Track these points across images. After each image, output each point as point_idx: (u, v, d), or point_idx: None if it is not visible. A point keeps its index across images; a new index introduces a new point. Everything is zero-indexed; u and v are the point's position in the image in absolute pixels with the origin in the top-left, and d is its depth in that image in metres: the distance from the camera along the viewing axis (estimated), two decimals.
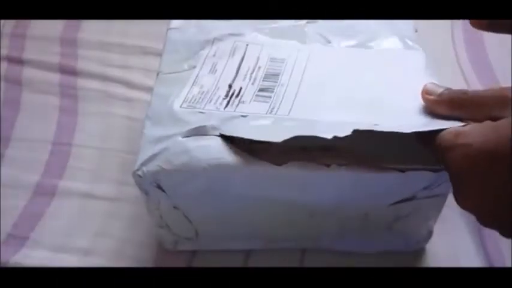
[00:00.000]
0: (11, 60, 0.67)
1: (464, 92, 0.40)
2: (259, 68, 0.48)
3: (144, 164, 0.42)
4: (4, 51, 0.67)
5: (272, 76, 0.47)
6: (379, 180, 0.41)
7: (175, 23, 0.53)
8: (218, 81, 0.47)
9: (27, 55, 0.67)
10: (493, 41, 0.67)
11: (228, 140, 0.42)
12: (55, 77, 0.65)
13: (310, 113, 0.43)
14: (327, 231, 0.47)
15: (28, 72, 0.65)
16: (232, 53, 0.49)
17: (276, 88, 0.45)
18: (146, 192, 0.43)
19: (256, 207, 0.44)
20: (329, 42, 0.50)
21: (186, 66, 0.49)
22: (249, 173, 0.41)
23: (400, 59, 0.48)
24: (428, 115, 0.41)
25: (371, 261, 0.47)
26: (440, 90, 0.41)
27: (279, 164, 0.41)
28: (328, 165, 0.40)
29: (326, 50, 0.49)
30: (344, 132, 0.38)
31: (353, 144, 0.41)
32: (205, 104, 0.45)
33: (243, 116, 0.43)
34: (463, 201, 0.37)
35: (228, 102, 0.45)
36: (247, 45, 0.50)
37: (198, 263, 0.49)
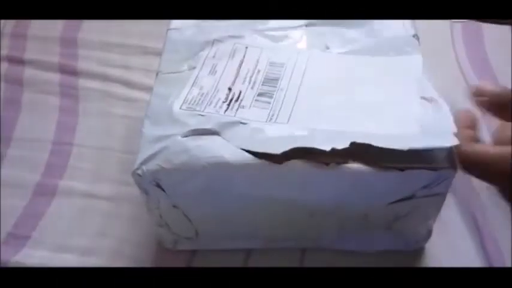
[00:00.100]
0: (12, 60, 0.67)
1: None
2: (259, 71, 0.48)
3: (143, 163, 0.42)
4: (4, 51, 0.68)
5: (271, 81, 0.47)
6: (378, 179, 0.41)
7: (175, 23, 0.53)
8: (218, 83, 0.47)
9: (27, 55, 0.67)
10: (493, 41, 0.67)
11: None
12: (55, 77, 0.65)
13: (309, 121, 0.43)
14: (327, 231, 0.47)
15: (28, 72, 0.65)
16: (232, 55, 0.49)
17: (275, 93, 0.46)
18: (146, 192, 0.43)
19: (256, 206, 0.44)
20: (328, 48, 0.50)
21: (185, 67, 0.49)
22: (249, 172, 0.41)
23: (399, 64, 0.48)
24: (427, 121, 0.42)
25: (371, 261, 0.47)
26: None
27: (279, 163, 0.41)
28: (327, 164, 0.40)
29: (325, 55, 0.49)
30: (342, 144, 0.40)
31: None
32: (205, 106, 0.45)
33: (242, 123, 0.43)
34: None
35: (228, 106, 0.45)
36: (246, 47, 0.50)
37: (198, 262, 0.49)
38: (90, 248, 0.50)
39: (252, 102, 0.45)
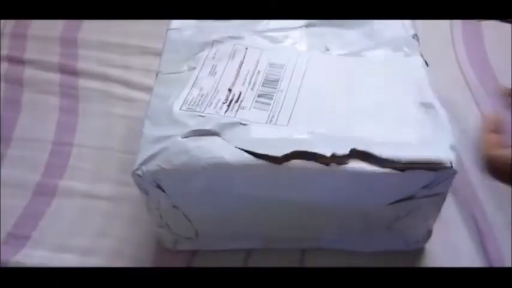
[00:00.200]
0: (12, 60, 0.67)
1: None
2: (259, 72, 0.48)
3: (143, 163, 0.42)
4: (4, 51, 0.68)
5: (271, 82, 0.47)
6: (378, 179, 0.41)
7: (175, 23, 0.53)
8: (218, 84, 0.47)
9: (27, 55, 0.67)
10: (493, 41, 0.67)
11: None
12: (55, 77, 0.65)
13: (308, 124, 0.43)
14: (327, 231, 0.47)
15: (28, 72, 0.65)
16: (232, 56, 0.49)
17: (275, 94, 0.46)
18: (146, 192, 0.43)
19: (256, 206, 0.44)
20: (327, 49, 0.50)
21: (185, 67, 0.49)
22: (249, 172, 0.41)
23: (399, 66, 0.48)
24: (425, 130, 0.42)
25: (371, 261, 0.47)
26: None
27: (279, 163, 0.41)
28: (327, 164, 0.40)
29: (325, 57, 0.49)
30: (342, 149, 0.40)
31: None
32: (205, 107, 0.45)
33: (243, 124, 0.43)
34: None
35: (228, 107, 0.45)
36: (246, 48, 0.50)
37: (198, 262, 0.49)
38: (90, 248, 0.50)
39: (252, 103, 0.45)
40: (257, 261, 0.49)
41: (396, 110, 0.44)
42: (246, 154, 0.41)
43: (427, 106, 0.44)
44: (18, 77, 0.65)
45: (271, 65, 0.48)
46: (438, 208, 0.45)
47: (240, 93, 0.46)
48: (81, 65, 0.66)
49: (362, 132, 0.42)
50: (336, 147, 0.40)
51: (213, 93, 0.46)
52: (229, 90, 0.46)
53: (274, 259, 0.48)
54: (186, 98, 0.46)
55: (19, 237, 0.51)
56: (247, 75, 0.48)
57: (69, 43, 0.68)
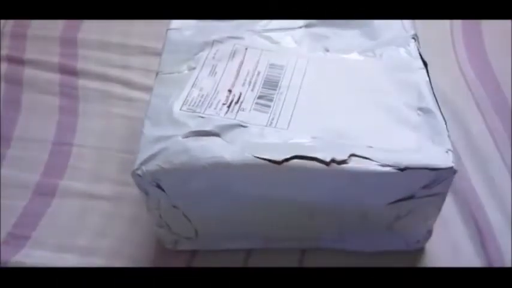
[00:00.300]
0: (12, 60, 0.67)
1: None
2: (259, 73, 0.48)
3: (143, 163, 0.42)
4: (4, 51, 0.68)
5: (271, 83, 0.47)
6: (378, 179, 0.41)
7: (175, 23, 0.53)
8: (218, 84, 0.47)
9: (27, 55, 0.67)
10: (493, 41, 0.67)
11: None
12: (55, 77, 0.65)
13: (309, 128, 0.43)
14: (327, 231, 0.47)
15: (28, 73, 0.65)
16: (232, 56, 0.49)
17: (275, 96, 0.46)
18: (146, 192, 0.43)
19: (256, 206, 0.44)
20: (327, 50, 0.50)
21: (185, 67, 0.49)
22: (249, 172, 0.41)
23: (398, 68, 0.48)
24: (423, 136, 0.42)
25: (371, 261, 0.47)
26: None
27: (279, 163, 0.41)
28: (327, 164, 0.41)
29: (325, 58, 0.49)
30: (342, 155, 0.40)
31: None
32: (205, 108, 0.45)
33: (243, 126, 0.43)
34: None
35: (228, 108, 0.45)
36: (246, 49, 0.50)
37: (198, 262, 0.49)
38: (90, 248, 0.50)
39: (252, 105, 0.45)
40: (257, 261, 0.49)
41: (395, 113, 0.44)
42: (246, 154, 0.41)
43: (425, 111, 0.44)
44: (18, 77, 0.65)
45: (271, 65, 0.49)
46: (438, 208, 0.45)
47: (240, 94, 0.46)
48: (81, 65, 0.66)
49: (361, 136, 0.43)
50: (335, 152, 0.41)
51: (213, 94, 0.46)
52: (229, 91, 0.46)
53: (274, 259, 0.48)
54: (186, 99, 0.46)
55: (19, 237, 0.51)
56: (247, 75, 0.48)
57: (69, 43, 0.68)
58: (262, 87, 0.47)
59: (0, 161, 0.57)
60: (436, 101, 0.45)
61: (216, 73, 0.48)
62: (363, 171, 0.41)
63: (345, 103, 0.46)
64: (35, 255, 0.50)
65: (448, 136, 0.43)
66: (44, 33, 0.69)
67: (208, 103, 0.45)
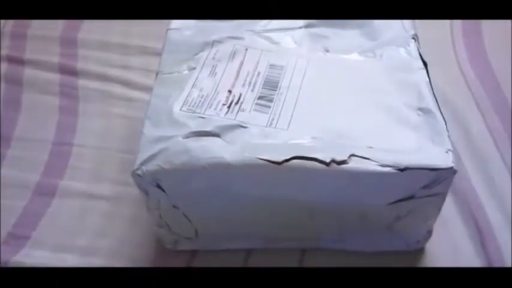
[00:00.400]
0: (12, 60, 0.67)
1: None
2: (259, 73, 0.48)
3: (143, 163, 0.42)
4: (4, 51, 0.68)
5: (271, 84, 0.47)
6: (378, 179, 0.41)
7: (175, 23, 0.53)
8: (218, 85, 0.47)
9: (27, 55, 0.67)
10: (493, 41, 0.67)
11: None
12: (55, 77, 0.65)
13: (309, 129, 0.43)
14: (327, 231, 0.47)
15: (28, 72, 0.65)
16: (232, 56, 0.49)
17: (275, 97, 0.46)
18: (146, 192, 0.43)
19: (256, 206, 0.44)
20: (327, 50, 0.50)
21: (185, 67, 0.49)
22: (249, 172, 0.41)
23: (398, 68, 0.48)
24: (423, 136, 0.42)
25: (371, 261, 0.47)
26: None
27: (279, 163, 0.41)
28: (327, 164, 0.41)
29: (325, 58, 0.49)
30: (342, 155, 0.41)
31: None
32: (205, 108, 0.45)
33: (243, 126, 0.43)
34: None
35: (228, 108, 0.45)
36: (246, 49, 0.50)
37: (198, 263, 0.49)
38: (90, 248, 0.50)
39: (252, 105, 0.45)
40: (257, 261, 0.49)
41: (395, 113, 0.44)
42: (246, 154, 0.41)
43: (425, 111, 0.44)
44: (18, 77, 0.65)
45: (271, 66, 0.49)
46: (438, 208, 0.45)
47: (240, 95, 0.46)
48: (81, 65, 0.66)
49: (361, 137, 0.43)
50: (335, 153, 0.41)
51: (213, 94, 0.46)
52: (229, 91, 0.46)
53: (274, 259, 0.48)
54: (186, 99, 0.46)
55: (19, 237, 0.51)
56: (247, 76, 0.48)
57: (69, 43, 0.68)
58: (262, 88, 0.47)
59: (0, 161, 0.57)
60: (436, 101, 0.45)
61: (216, 73, 0.48)
62: (363, 172, 0.41)
63: (345, 103, 0.46)
64: (35, 255, 0.50)
65: (448, 136, 0.43)
66: (44, 33, 0.69)
67: (208, 103, 0.45)
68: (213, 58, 0.49)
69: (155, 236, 0.50)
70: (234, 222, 0.46)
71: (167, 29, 0.52)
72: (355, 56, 0.49)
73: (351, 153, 0.41)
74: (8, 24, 0.71)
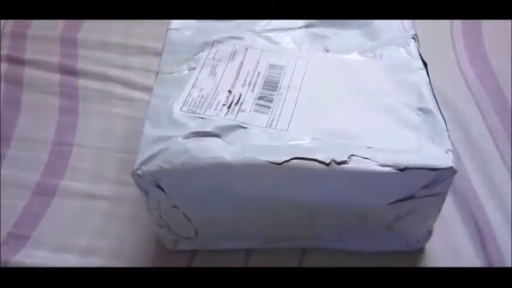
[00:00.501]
0: (12, 60, 0.67)
1: None
2: (259, 74, 0.48)
3: (143, 163, 0.42)
4: (4, 51, 0.68)
5: (271, 84, 0.47)
6: (378, 179, 0.41)
7: (175, 23, 0.53)
8: (218, 85, 0.47)
9: (27, 55, 0.67)
10: (493, 41, 0.67)
11: None
12: (55, 77, 0.65)
13: (308, 129, 0.43)
14: (327, 231, 0.47)
15: (28, 72, 0.65)
16: (232, 56, 0.49)
17: (275, 97, 0.46)
18: (146, 192, 0.43)
19: (256, 206, 0.44)
20: (327, 51, 0.50)
21: (185, 67, 0.49)
22: (249, 172, 0.41)
23: (398, 68, 0.48)
24: (423, 137, 0.43)
25: (371, 261, 0.47)
26: None
27: (279, 164, 0.41)
28: (327, 164, 0.41)
29: (325, 58, 0.49)
30: (341, 156, 0.41)
31: None
32: (205, 109, 0.45)
33: (243, 127, 0.43)
34: None
35: (228, 109, 0.45)
36: (246, 49, 0.50)
37: (198, 262, 0.49)
38: (90, 248, 0.50)
39: (252, 106, 0.45)
40: (257, 261, 0.49)
41: (395, 113, 0.44)
42: (246, 154, 0.41)
43: (425, 111, 0.44)
44: (18, 77, 0.65)
45: (271, 66, 0.49)
46: (438, 208, 0.45)
47: (240, 95, 0.46)
48: (81, 65, 0.66)
49: (361, 137, 0.43)
50: (335, 153, 0.41)
51: (213, 95, 0.46)
52: (229, 91, 0.46)
53: (274, 259, 0.48)
54: (186, 99, 0.46)
55: (19, 237, 0.51)
56: (247, 76, 0.48)
57: (69, 43, 0.68)
58: (262, 88, 0.47)
59: (0, 161, 0.57)
60: (436, 101, 0.45)
61: (216, 73, 0.48)
62: (363, 172, 0.41)
63: (344, 103, 0.46)
64: (35, 255, 0.50)
65: (448, 136, 0.43)
66: (44, 33, 0.69)
67: (208, 104, 0.45)
68: (213, 58, 0.49)
69: (155, 236, 0.50)
70: (234, 222, 0.46)
71: (167, 29, 0.52)
72: (355, 56, 0.49)
73: (351, 153, 0.41)
74: (8, 24, 0.71)
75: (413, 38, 0.50)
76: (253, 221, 0.46)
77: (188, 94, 0.46)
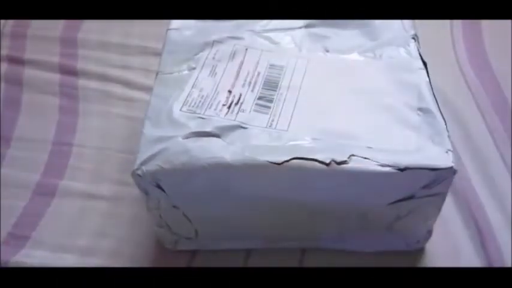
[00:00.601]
0: (12, 60, 0.67)
1: None
2: (259, 74, 0.48)
3: (143, 163, 0.42)
4: (4, 51, 0.68)
5: (271, 84, 0.47)
6: (378, 179, 0.41)
7: (175, 23, 0.53)
8: (218, 85, 0.47)
9: (27, 55, 0.67)
10: (493, 41, 0.67)
11: None
12: (55, 77, 0.65)
13: (308, 129, 0.43)
14: (327, 231, 0.47)
15: (28, 72, 0.65)
16: (232, 56, 0.49)
17: (275, 97, 0.46)
18: (146, 192, 0.43)
19: (256, 206, 0.44)
20: (327, 51, 0.50)
21: (185, 67, 0.49)
22: (249, 172, 0.41)
23: (398, 68, 0.48)
24: (423, 137, 0.43)
25: (371, 261, 0.47)
26: None
27: (279, 164, 0.41)
28: (327, 165, 0.41)
29: (325, 58, 0.49)
30: (341, 156, 0.41)
31: None
32: (205, 109, 0.45)
33: (243, 127, 0.43)
34: None
35: (228, 109, 0.45)
36: (246, 49, 0.50)
37: (198, 263, 0.49)
38: (90, 248, 0.50)
39: (252, 106, 0.45)
40: (257, 261, 0.49)
41: (395, 113, 0.44)
42: (246, 154, 0.41)
43: (425, 111, 0.44)
44: (18, 77, 0.65)
45: (271, 66, 0.49)
46: (438, 208, 0.45)
47: (240, 95, 0.46)
48: (81, 65, 0.66)
49: (361, 137, 0.43)
50: (335, 153, 0.41)
51: (213, 95, 0.46)
52: (229, 91, 0.46)
53: (274, 259, 0.48)
54: (186, 99, 0.46)
55: (19, 237, 0.51)
56: (247, 76, 0.48)
57: (69, 43, 0.68)
58: (262, 88, 0.47)
59: (0, 161, 0.57)
60: (436, 101, 0.45)
61: (216, 73, 0.48)
62: (363, 172, 0.41)
63: (344, 104, 0.46)
64: (35, 255, 0.50)
65: (448, 136, 0.43)
66: (44, 33, 0.69)
67: (208, 104, 0.45)
68: (213, 58, 0.49)
69: (155, 236, 0.50)
70: (234, 222, 0.46)
71: (167, 29, 0.52)
72: (355, 56, 0.49)
73: (351, 153, 0.41)
74: (8, 24, 0.71)
75: (413, 38, 0.50)
76: (253, 221, 0.46)
77: (188, 94, 0.46)
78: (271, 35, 0.52)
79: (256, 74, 0.48)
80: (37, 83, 0.64)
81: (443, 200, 0.44)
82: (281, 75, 0.48)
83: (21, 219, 0.53)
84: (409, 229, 0.47)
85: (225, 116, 0.44)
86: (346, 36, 0.51)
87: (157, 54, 0.51)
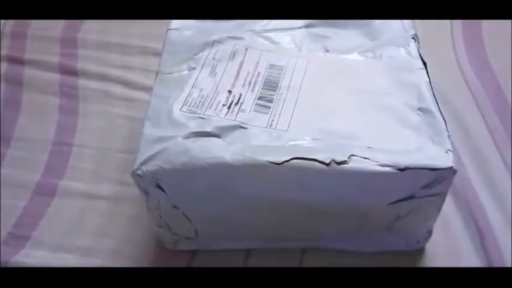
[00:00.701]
0: (12, 60, 0.67)
1: None
2: (259, 74, 0.48)
3: (143, 163, 0.42)
4: (4, 51, 0.68)
5: (271, 84, 0.47)
6: (378, 179, 0.41)
7: (175, 23, 0.53)
8: (218, 85, 0.47)
9: (27, 55, 0.67)
10: (493, 41, 0.67)
11: None
12: (55, 77, 0.65)
13: (308, 130, 0.43)
14: (327, 231, 0.47)
15: (28, 72, 0.65)
16: (232, 56, 0.49)
17: (275, 97, 0.46)
18: (146, 192, 0.43)
19: (256, 206, 0.44)
20: (327, 51, 0.50)
21: (185, 67, 0.49)
22: (249, 172, 0.41)
23: (398, 68, 0.48)
24: (423, 137, 0.43)
25: (371, 261, 0.47)
26: None
27: (279, 164, 0.41)
28: (327, 165, 0.41)
29: (325, 58, 0.49)
30: (341, 156, 0.41)
31: None
32: (205, 109, 0.45)
33: (243, 127, 0.43)
34: None
35: (228, 109, 0.45)
36: (246, 49, 0.50)
37: (198, 263, 0.49)
38: (90, 248, 0.50)
39: (252, 106, 0.45)
40: (257, 261, 0.49)
41: (395, 113, 0.44)
42: (246, 154, 0.41)
43: (425, 111, 0.44)
44: (18, 77, 0.65)
45: (271, 66, 0.49)
46: (438, 208, 0.45)
47: (240, 95, 0.46)
48: (81, 65, 0.66)
49: (361, 137, 0.43)
50: (335, 153, 0.41)
51: (213, 95, 0.46)
52: (229, 91, 0.46)
53: (274, 259, 0.48)
54: (186, 99, 0.46)
55: (19, 237, 0.51)
56: (247, 76, 0.48)
57: (69, 43, 0.68)
58: (262, 88, 0.47)
59: (0, 161, 0.57)
60: (436, 101, 0.45)
61: (216, 73, 0.48)
62: (362, 172, 0.41)
63: (344, 103, 0.46)
64: (35, 255, 0.50)
65: (448, 136, 0.43)
66: (44, 33, 0.69)
67: (208, 104, 0.45)
68: (213, 58, 0.49)
69: (155, 236, 0.50)
70: (234, 222, 0.46)
71: (167, 29, 0.52)
72: (355, 56, 0.50)
73: (351, 153, 0.41)
74: (8, 24, 0.71)
75: (413, 38, 0.50)
76: (253, 221, 0.46)
77: (188, 94, 0.46)
78: (271, 35, 0.52)
79: (256, 74, 0.48)
80: (37, 83, 0.64)
81: (443, 200, 0.44)
82: (281, 75, 0.48)
83: (21, 219, 0.53)
84: (409, 229, 0.47)
85: (225, 116, 0.44)
86: (346, 36, 0.51)
87: (157, 54, 0.51)
